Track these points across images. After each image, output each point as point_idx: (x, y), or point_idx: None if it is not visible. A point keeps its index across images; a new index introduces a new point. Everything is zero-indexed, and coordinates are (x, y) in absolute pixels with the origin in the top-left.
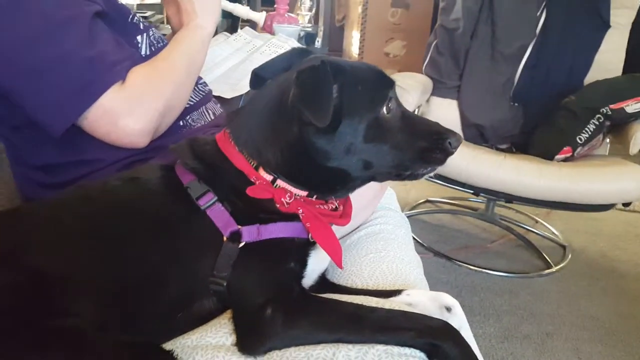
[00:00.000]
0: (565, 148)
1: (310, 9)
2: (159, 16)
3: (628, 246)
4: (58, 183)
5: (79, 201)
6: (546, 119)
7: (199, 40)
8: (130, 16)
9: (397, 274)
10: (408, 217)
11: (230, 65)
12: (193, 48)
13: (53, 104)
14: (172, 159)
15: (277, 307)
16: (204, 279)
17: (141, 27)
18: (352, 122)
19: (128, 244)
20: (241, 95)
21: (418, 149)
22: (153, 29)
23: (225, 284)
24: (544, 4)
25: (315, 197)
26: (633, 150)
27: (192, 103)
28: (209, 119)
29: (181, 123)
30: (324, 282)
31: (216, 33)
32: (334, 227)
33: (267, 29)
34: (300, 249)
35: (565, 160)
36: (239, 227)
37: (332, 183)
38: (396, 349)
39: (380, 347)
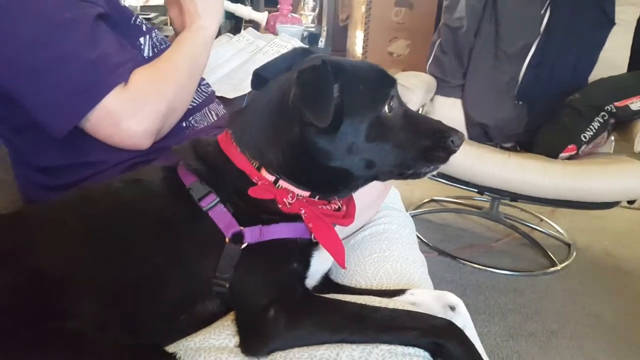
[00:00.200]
0: (569, 146)
1: (313, 9)
2: (163, 18)
3: (632, 244)
4: (61, 185)
5: (81, 203)
6: (550, 117)
7: (201, 41)
8: (133, 18)
9: (401, 273)
10: (413, 216)
11: (233, 66)
12: (195, 49)
13: (55, 105)
14: (175, 161)
15: (280, 308)
16: (206, 280)
17: (144, 29)
18: (354, 121)
19: (130, 245)
20: (244, 96)
21: (420, 147)
22: (156, 30)
23: (227, 286)
24: (547, 2)
25: (317, 197)
26: (638, 147)
27: (195, 104)
28: (212, 120)
29: (184, 124)
30: (327, 283)
31: (219, 34)
32: (338, 227)
33: (271, 29)
34: (303, 250)
35: (569, 158)
36: (241, 228)
37: (334, 183)
38: (400, 349)
39: (384, 347)
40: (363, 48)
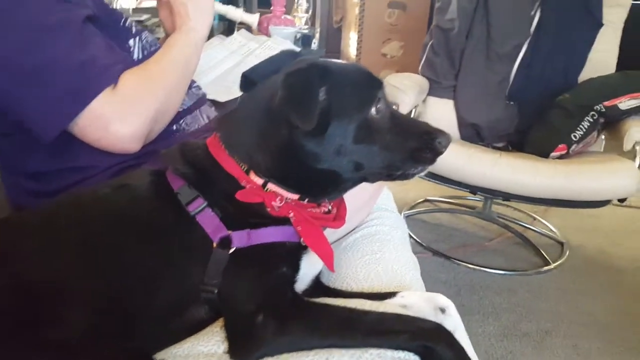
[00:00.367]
0: (560, 146)
1: (306, 11)
2: (155, 19)
3: (625, 242)
4: (50, 191)
5: (69, 209)
6: (541, 117)
7: (192, 43)
8: (122, 20)
9: (392, 275)
10: (407, 216)
11: (225, 68)
12: (186, 51)
13: (43, 109)
14: (164, 165)
15: (269, 314)
16: (194, 286)
17: (133, 31)
18: (342, 123)
19: (117, 251)
20: (237, 99)
21: (408, 149)
22: (145, 32)
23: (216, 292)
24: (537, 3)
25: (306, 200)
26: (627, 146)
27: (185, 107)
28: (203, 123)
29: (174, 127)
30: (318, 286)
31: (212, 35)
32: (330, 230)
33: (264, 31)
34: (292, 253)
35: (560, 157)
36: (229, 232)
37: (323, 185)
38: (390, 353)
39: (374, 351)
40: (357, 49)
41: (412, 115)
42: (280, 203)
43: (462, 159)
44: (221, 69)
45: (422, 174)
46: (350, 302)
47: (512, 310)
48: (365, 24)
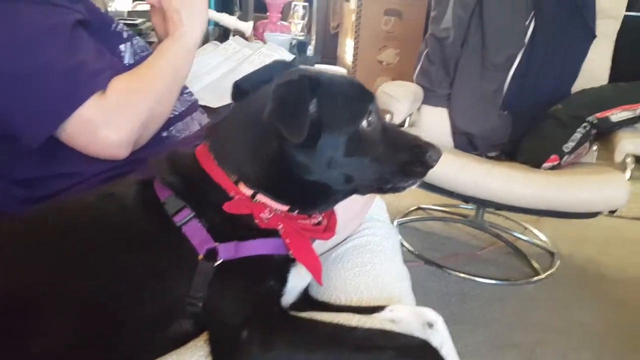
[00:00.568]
0: (552, 156)
1: (303, 17)
2: (150, 23)
3: (615, 252)
4: (36, 198)
5: (53, 217)
6: (534, 127)
7: (184, 49)
8: (114, 25)
9: (382, 288)
10: (400, 224)
11: (218, 74)
12: (178, 57)
13: (31, 114)
14: (152, 174)
15: (254, 329)
16: (180, 299)
17: (125, 35)
18: (332, 136)
19: (101, 262)
20: (229, 105)
21: (399, 162)
22: (137, 37)
23: (201, 305)
24: (532, 13)
25: (297, 211)
26: (618, 158)
27: (176, 113)
28: (195, 130)
29: (164, 134)
30: (306, 299)
31: (207, 41)
32: (320, 241)
33: (259, 36)
34: (280, 266)
35: (552, 168)
36: (216, 244)
37: (313, 197)
38: None
39: None
40: (353, 56)
41: (406, 124)
42: (270, 215)
43: (455, 169)
44: (215, 75)
45: (413, 187)
46: (339, 317)
47: (503, 320)
48: (361, 30)
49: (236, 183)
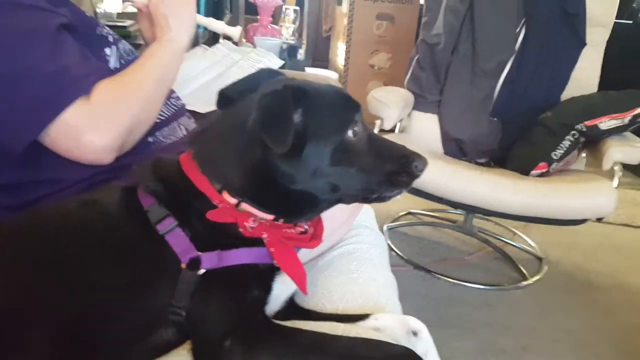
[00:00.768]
0: (540, 164)
1: (294, 21)
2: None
3: (603, 258)
4: (18, 204)
5: (32, 225)
6: (523, 134)
7: (171, 54)
8: (99, 28)
9: (368, 296)
10: (389, 229)
11: (207, 79)
12: (164, 62)
13: (13, 119)
14: (136, 180)
15: (237, 338)
16: (162, 308)
17: (110, 39)
18: (318, 145)
19: (82, 270)
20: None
21: (384, 172)
22: (123, 41)
23: (184, 314)
24: (523, 21)
25: (281, 220)
26: (606, 165)
27: (163, 118)
28: (182, 135)
29: (150, 139)
30: (291, 307)
31: (196, 44)
32: (306, 249)
33: (250, 39)
34: (265, 275)
35: (541, 175)
36: (199, 253)
37: (298, 206)
38: None
39: None
40: (345, 60)
41: (397, 129)
42: (254, 224)
43: (444, 175)
44: (203, 79)
45: (399, 196)
46: (323, 325)
47: (490, 325)
48: (353, 34)
49: (220, 191)
